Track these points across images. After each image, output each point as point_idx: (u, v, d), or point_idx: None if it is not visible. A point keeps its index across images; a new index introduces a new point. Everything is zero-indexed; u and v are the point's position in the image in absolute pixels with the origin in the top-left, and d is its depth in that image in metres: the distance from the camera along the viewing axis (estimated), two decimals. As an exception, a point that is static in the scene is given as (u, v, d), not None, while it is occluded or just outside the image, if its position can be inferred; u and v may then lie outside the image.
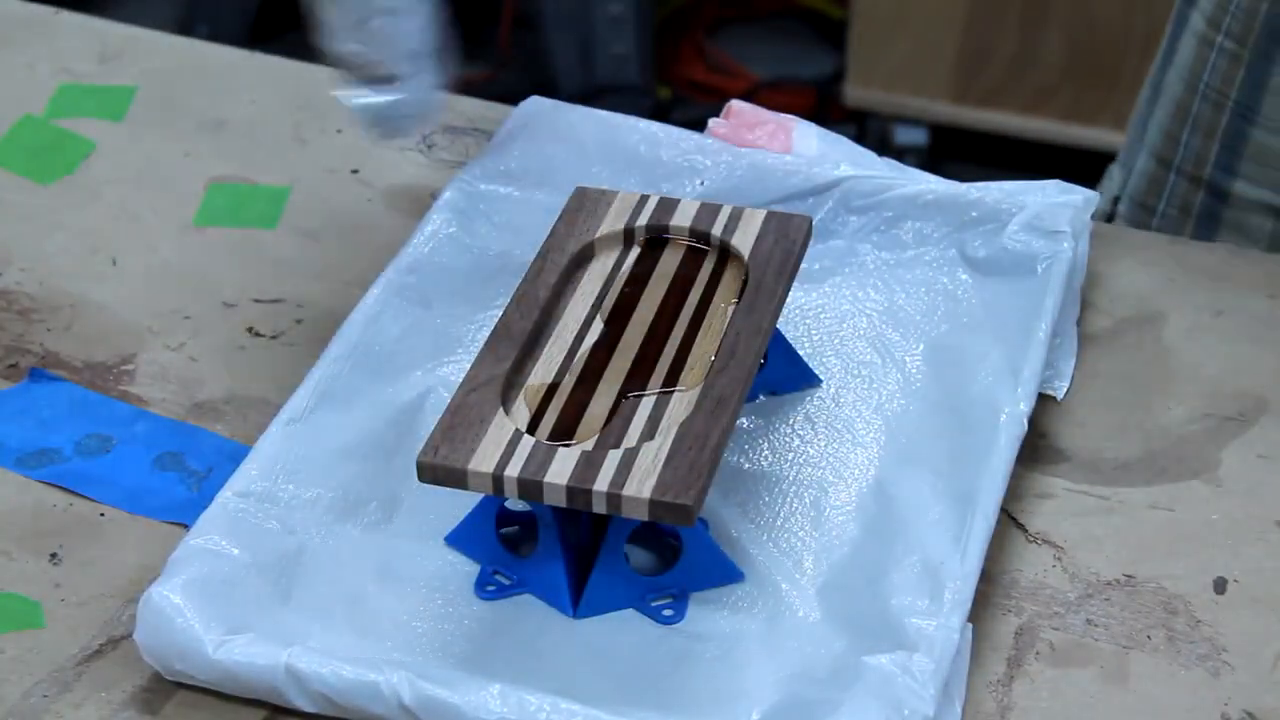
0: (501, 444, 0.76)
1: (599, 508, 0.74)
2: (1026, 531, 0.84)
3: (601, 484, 0.74)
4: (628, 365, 0.81)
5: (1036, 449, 0.88)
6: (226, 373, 0.93)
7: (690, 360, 0.81)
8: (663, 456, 0.75)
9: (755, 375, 0.81)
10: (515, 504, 0.82)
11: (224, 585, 0.77)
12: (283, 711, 0.76)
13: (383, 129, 0.91)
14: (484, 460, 0.75)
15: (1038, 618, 0.80)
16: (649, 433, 0.77)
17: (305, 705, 0.75)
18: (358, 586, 0.81)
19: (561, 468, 0.75)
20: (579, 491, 0.74)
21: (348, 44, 0.88)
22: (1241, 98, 1.05)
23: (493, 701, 0.72)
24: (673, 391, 0.79)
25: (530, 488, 0.75)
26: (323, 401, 0.86)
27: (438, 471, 0.76)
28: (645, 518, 0.74)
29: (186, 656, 0.75)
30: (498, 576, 0.81)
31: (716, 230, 0.87)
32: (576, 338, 0.83)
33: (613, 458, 0.75)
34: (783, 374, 0.89)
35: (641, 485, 0.74)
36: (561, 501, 0.75)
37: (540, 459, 0.75)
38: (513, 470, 0.75)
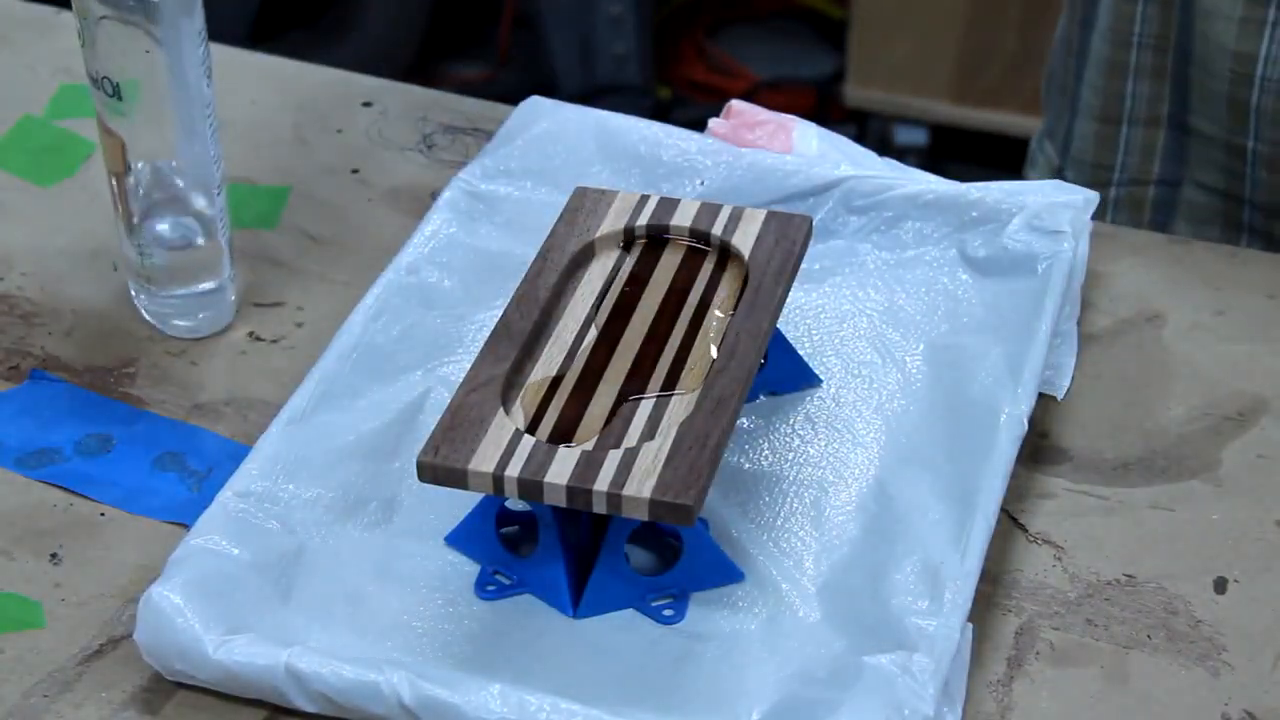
0: (501, 444, 0.76)
1: (599, 508, 0.74)
2: (1026, 531, 0.84)
3: (602, 484, 0.74)
4: (628, 365, 0.81)
5: (1036, 449, 0.88)
6: (227, 375, 0.93)
7: (690, 361, 0.81)
8: (663, 456, 0.75)
9: (755, 375, 0.81)
10: (515, 504, 0.82)
11: (224, 585, 0.77)
12: (283, 711, 0.76)
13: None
14: (484, 460, 0.75)
15: (1038, 618, 0.80)
16: (649, 433, 0.77)
17: (305, 705, 0.75)
18: (358, 586, 0.81)
19: (561, 468, 0.75)
20: (579, 491, 0.74)
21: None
22: (1180, 39, 1.06)
23: (493, 701, 0.72)
24: (673, 392, 0.79)
25: (530, 488, 0.75)
26: (323, 401, 0.86)
27: (438, 471, 0.76)
28: (645, 518, 0.74)
29: (186, 656, 0.75)
30: (498, 576, 0.81)
31: (716, 230, 0.87)
32: (576, 338, 0.83)
33: (613, 458, 0.75)
34: (783, 374, 0.89)
35: (642, 485, 0.74)
36: (562, 501, 0.75)
37: (540, 459, 0.75)
38: (513, 470, 0.75)
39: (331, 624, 0.79)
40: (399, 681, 0.73)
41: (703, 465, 0.75)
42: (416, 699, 0.73)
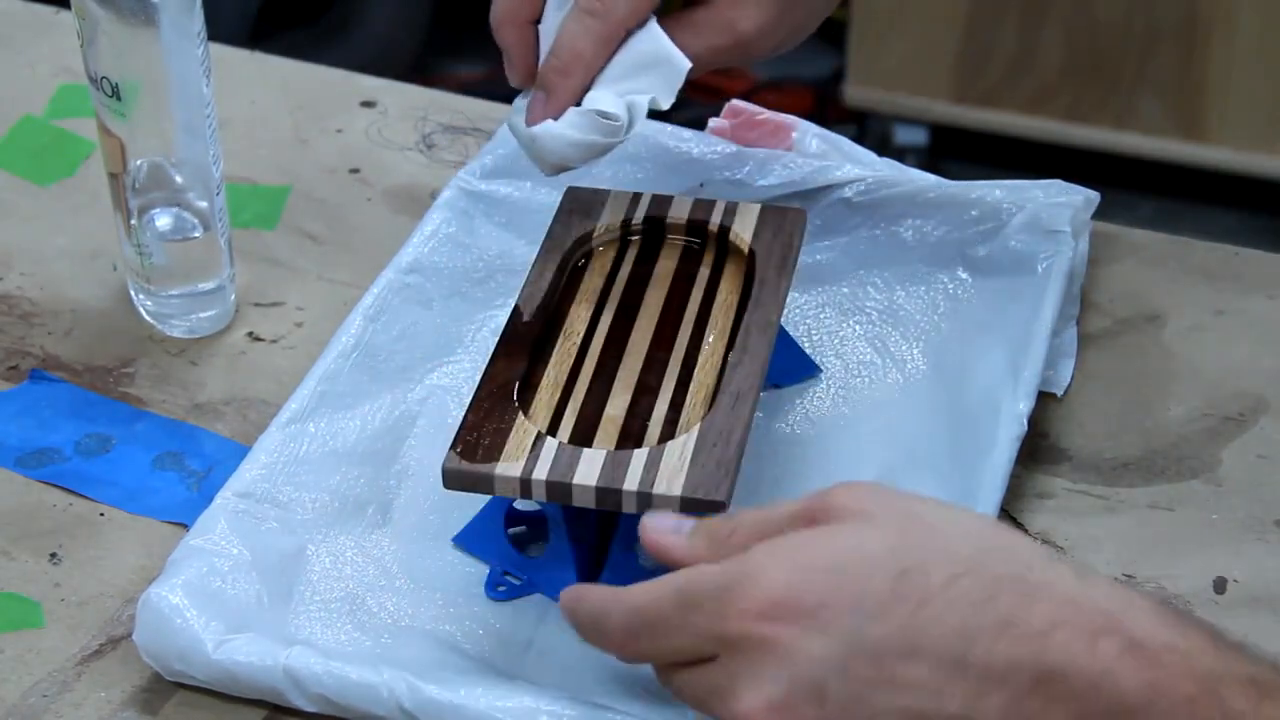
0: (525, 447, 0.76)
1: (629, 507, 0.74)
2: (1026, 531, 0.84)
3: (631, 484, 0.73)
4: (639, 365, 0.81)
5: (1036, 449, 0.88)
6: (226, 375, 0.93)
7: (701, 358, 0.81)
8: (688, 454, 0.75)
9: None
10: (524, 504, 0.82)
11: (224, 585, 0.77)
12: (283, 711, 0.76)
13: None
14: (510, 464, 0.75)
15: (1038, 618, 0.80)
16: (669, 431, 0.77)
17: (305, 706, 0.75)
18: (358, 586, 0.81)
19: (589, 469, 0.74)
20: (609, 492, 0.74)
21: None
22: None
23: (494, 703, 0.72)
24: (687, 389, 0.79)
25: (559, 490, 0.74)
26: (323, 401, 0.86)
27: (464, 477, 0.75)
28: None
29: (186, 656, 0.75)
30: (508, 577, 0.81)
31: (713, 225, 0.87)
32: (584, 339, 0.82)
33: (639, 457, 0.75)
34: (783, 366, 0.89)
35: (671, 483, 0.73)
36: (591, 503, 0.74)
37: (566, 461, 0.75)
38: (540, 473, 0.74)
39: (331, 624, 0.79)
40: (399, 683, 0.73)
41: (729, 460, 0.74)
42: (416, 701, 0.73)
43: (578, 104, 0.84)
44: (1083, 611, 0.60)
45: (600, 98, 0.84)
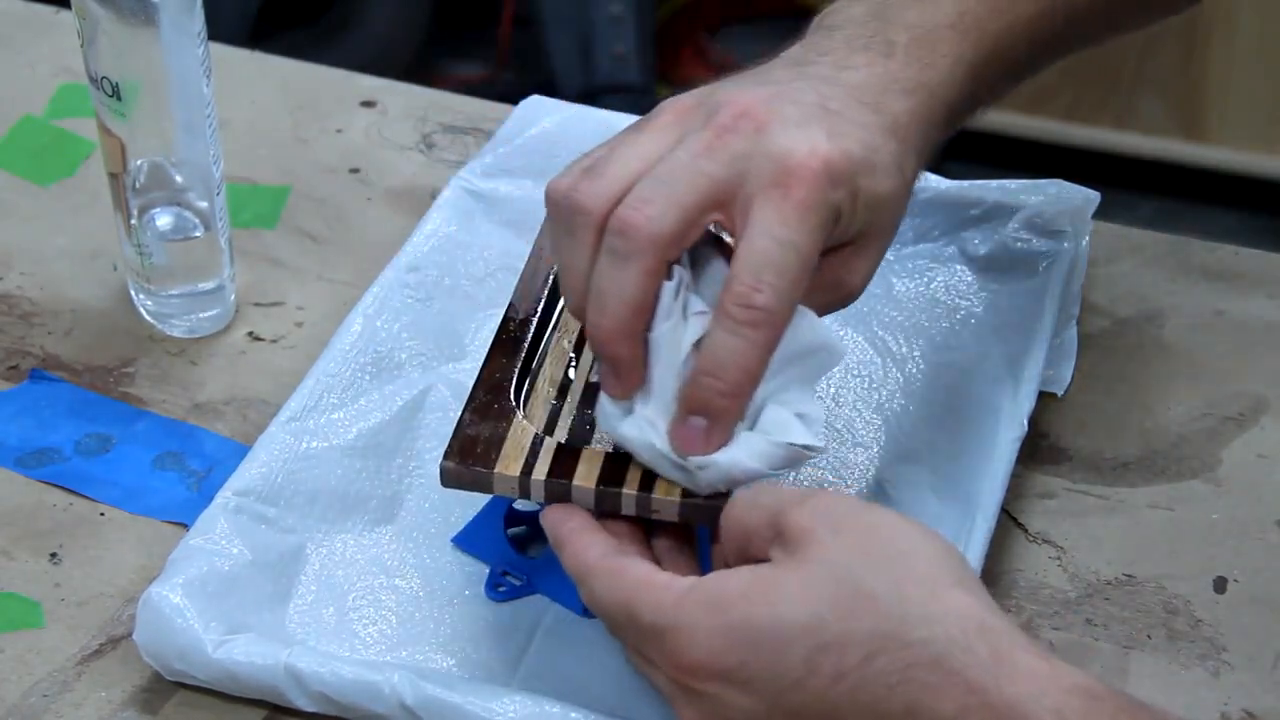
0: (524, 446, 0.75)
1: (628, 509, 0.73)
2: (1026, 531, 0.84)
3: (630, 485, 0.73)
4: None
5: (1036, 449, 0.88)
6: (227, 375, 0.93)
7: None
8: None
9: None
10: (523, 504, 0.82)
11: (224, 585, 0.77)
12: (283, 711, 0.76)
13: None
14: (509, 464, 0.75)
15: (1038, 618, 0.80)
16: None
17: (306, 705, 0.75)
18: (358, 585, 0.81)
19: (588, 469, 0.74)
20: (608, 494, 0.73)
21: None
22: None
23: (495, 702, 0.72)
24: None
25: (558, 490, 0.74)
26: (323, 400, 0.86)
27: (462, 476, 0.75)
28: (675, 519, 0.73)
29: (186, 656, 0.75)
30: (508, 577, 0.81)
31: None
32: (580, 336, 0.82)
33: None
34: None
35: (671, 486, 0.73)
36: (590, 504, 0.74)
37: (565, 461, 0.74)
38: (539, 473, 0.74)
39: (331, 623, 0.79)
40: (400, 681, 0.73)
41: None
42: (418, 699, 0.73)
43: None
44: (990, 706, 0.62)
45: (780, 422, 0.72)
